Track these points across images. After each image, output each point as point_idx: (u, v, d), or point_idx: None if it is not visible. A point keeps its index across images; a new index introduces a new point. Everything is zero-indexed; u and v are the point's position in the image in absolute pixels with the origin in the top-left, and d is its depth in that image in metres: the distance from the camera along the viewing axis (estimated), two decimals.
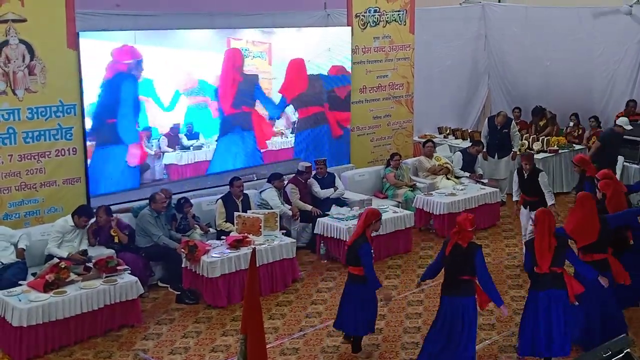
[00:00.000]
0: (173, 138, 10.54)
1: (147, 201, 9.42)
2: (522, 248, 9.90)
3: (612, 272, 7.42)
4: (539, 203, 9.40)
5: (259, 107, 11.43)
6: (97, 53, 9.49)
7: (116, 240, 8.99)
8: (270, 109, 11.56)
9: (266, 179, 10.61)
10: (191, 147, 10.73)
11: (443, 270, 6.89)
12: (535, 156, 12.84)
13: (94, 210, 9.07)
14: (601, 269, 7.20)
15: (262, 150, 11.54)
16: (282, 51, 11.47)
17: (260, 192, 10.36)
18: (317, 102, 12.09)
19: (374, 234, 9.81)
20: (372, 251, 7.19)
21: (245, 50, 11.05)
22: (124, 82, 9.91)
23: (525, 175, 9.69)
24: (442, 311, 6.85)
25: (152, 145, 10.32)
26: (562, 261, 6.83)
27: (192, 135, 10.72)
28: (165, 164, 10.50)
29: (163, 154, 10.47)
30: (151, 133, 10.29)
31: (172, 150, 10.55)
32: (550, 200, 9.52)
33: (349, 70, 12.30)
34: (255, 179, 11.15)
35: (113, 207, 9.34)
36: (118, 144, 9.99)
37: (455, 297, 6.72)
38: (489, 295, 6.76)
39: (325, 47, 11.99)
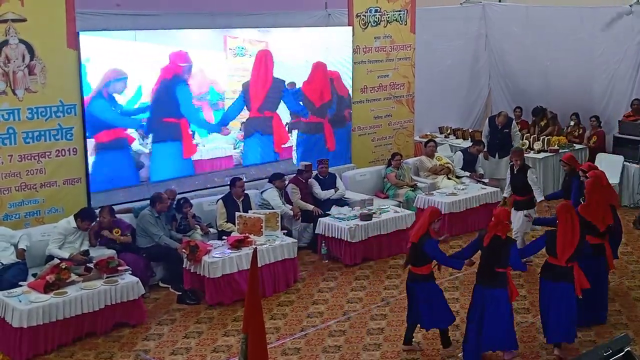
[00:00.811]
0: None
1: (148, 201, 9.41)
2: None
3: (607, 257, 7.86)
4: (527, 202, 9.61)
5: (281, 112, 11.64)
6: (98, 53, 9.50)
7: (119, 241, 8.97)
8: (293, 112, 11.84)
9: (251, 180, 10.67)
10: None
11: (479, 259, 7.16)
12: (536, 156, 12.87)
13: (98, 211, 9.06)
14: (597, 252, 7.64)
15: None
16: (280, 50, 11.42)
17: (262, 192, 10.34)
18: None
19: (376, 233, 9.97)
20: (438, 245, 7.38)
21: (242, 49, 10.99)
22: (178, 84, 10.40)
23: (515, 170, 9.75)
24: (475, 300, 7.12)
25: (147, 144, 10.24)
26: (580, 257, 7.15)
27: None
28: None
29: None
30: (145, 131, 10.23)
31: None
32: (539, 197, 9.63)
33: (342, 73, 12.26)
34: (245, 179, 11.14)
35: (115, 208, 9.32)
36: (174, 140, 10.45)
37: (488, 288, 6.99)
38: (521, 269, 7.51)
39: (323, 47, 11.98)
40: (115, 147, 9.87)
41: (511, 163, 9.92)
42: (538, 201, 9.68)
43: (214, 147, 10.95)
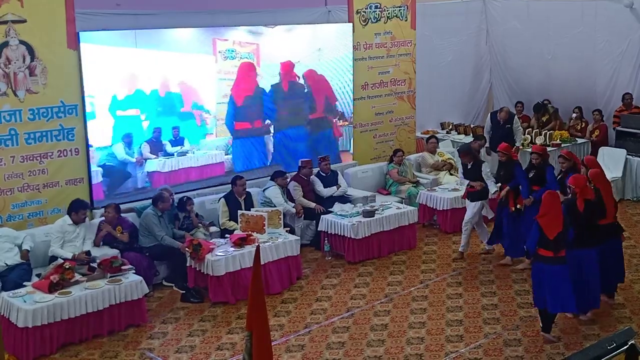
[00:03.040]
0: (155, 144, 10.28)
1: (150, 201, 9.41)
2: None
3: None
4: (480, 193, 9.85)
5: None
6: (97, 53, 9.52)
7: (118, 238, 8.98)
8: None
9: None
10: (175, 154, 10.50)
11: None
12: None
13: (104, 207, 9.09)
14: None
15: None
16: (271, 52, 11.34)
17: (264, 190, 10.34)
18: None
19: (379, 229, 9.98)
20: None
21: (232, 51, 10.93)
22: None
23: (469, 166, 10.00)
24: (572, 264, 7.60)
25: (134, 152, 10.12)
26: None
27: (177, 141, 10.50)
28: (147, 172, 10.25)
29: (145, 161, 10.25)
30: (131, 140, 10.07)
31: (154, 157, 10.30)
32: (493, 189, 9.87)
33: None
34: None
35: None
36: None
37: (588, 248, 7.71)
38: None
39: (316, 47, 11.92)
40: (256, 134, 11.37)
41: (463, 161, 10.17)
42: (492, 192, 9.91)
43: None
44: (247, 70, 11.16)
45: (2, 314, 7.55)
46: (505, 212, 9.64)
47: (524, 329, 7.86)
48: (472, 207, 9.91)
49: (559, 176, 9.44)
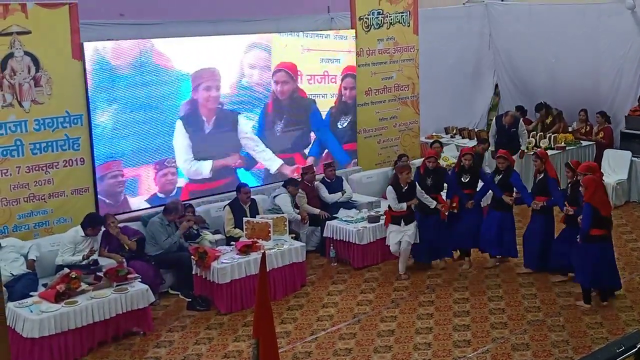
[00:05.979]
0: None
1: (155, 210, 9.42)
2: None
3: None
4: (412, 214, 9.48)
5: None
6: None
7: (127, 246, 8.99)
8: None
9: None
10: None
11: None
12: None
13: (104, 217, 9.09)
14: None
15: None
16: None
17: (274, 197, 10.33)
18: None
19: (384, 234, 9.97)
20: None
21: None
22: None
23: (404, 189, 9.39)
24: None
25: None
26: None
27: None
28: None
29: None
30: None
31: None
32: (432, 204, 9.51)
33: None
34: None
35: (123, 216, 9.39)
36: None
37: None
38: None
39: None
40: None
41: (393, 180, 9.72)
42: (432, 207, 9.50)
43: None
44: None
45: (8, 324, 7.54)
46: (431, 219, 9.61)
47: (532, 332, 7.84)
48: (412, 229, 9.40)
49: (500, 176, 9.54)
